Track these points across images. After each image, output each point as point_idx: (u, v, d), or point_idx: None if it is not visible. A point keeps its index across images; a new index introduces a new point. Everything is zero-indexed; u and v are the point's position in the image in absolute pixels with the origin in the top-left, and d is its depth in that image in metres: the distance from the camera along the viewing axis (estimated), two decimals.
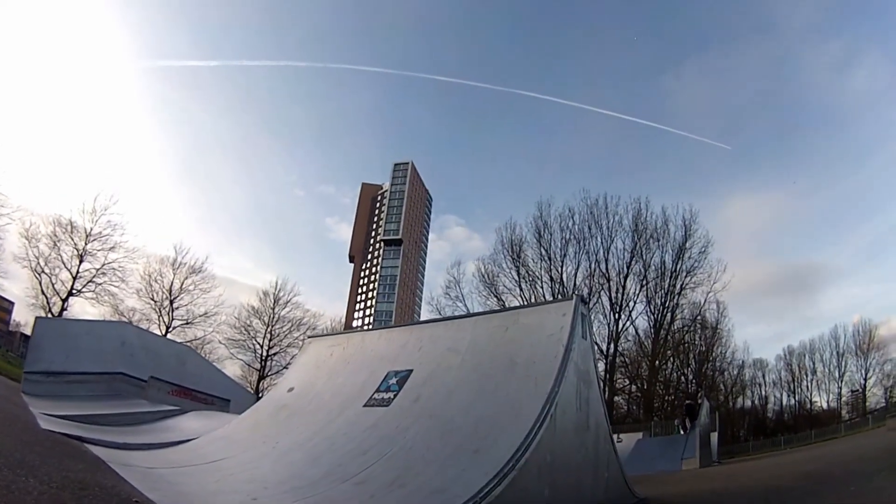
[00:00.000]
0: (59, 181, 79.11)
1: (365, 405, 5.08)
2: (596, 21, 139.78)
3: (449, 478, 3.55)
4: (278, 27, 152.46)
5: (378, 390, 5.21)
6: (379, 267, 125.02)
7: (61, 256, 30.41)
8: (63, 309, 29.87)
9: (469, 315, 7.04)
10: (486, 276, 32.59)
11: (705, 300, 33.00)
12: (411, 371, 5.23)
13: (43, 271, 30.05)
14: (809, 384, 46.01)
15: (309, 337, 8.22)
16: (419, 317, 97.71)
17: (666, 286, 31.96)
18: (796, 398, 46.67)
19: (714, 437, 19.00)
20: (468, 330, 5.49)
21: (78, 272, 30.57)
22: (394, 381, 5.22)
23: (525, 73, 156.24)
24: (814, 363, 45.87)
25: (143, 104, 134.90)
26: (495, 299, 31.38)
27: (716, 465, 16.45)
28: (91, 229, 30.99)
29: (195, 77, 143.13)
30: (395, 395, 4.99)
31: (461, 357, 5.15)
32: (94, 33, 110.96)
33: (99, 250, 31.22)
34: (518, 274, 31.68)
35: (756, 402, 47.30)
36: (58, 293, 30.28)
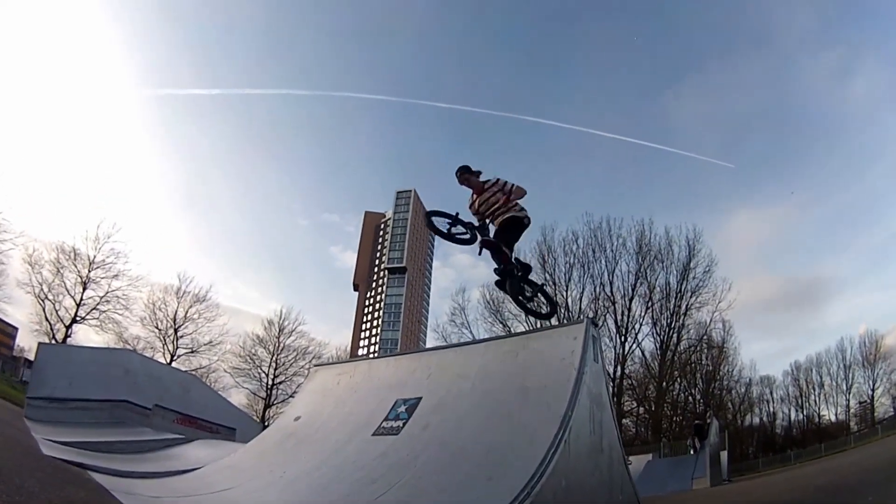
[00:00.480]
0: (62, 207, 79.76)
1: (374, 434, 5.01)
2: (593, 42, 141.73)
3: None
4: (279, 57, 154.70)
5: (387, 418, 5.14)
6: (384, 295, 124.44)
7: (65, 283, 30.51)
8: (67, 336, 29.82)
9: (478, 341, 6.98)
10: (491, 303, 32.58)
11: (711, 319, 32.89)
12: (420, 398, 5.16)
13: (47, 297, 30.12)
14: (817, 398, 45.58)
15: (315, 365, 8.17)
16: (425, 344, 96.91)
17: (671, 307, 31.91)
18: (804, 413, 46.23)
19: (724, 455, 18.83)
20: (477, 356, 5.44)
21: (82, 299, 30.61)
22: (402, 408, 5.15)
23: (525, 97, 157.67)
24: (821, 377, 45.51)
25: (145, 132, 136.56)
26: (501, 325, 31.26)
27: (726, 483, 16.24)
28: (94, 257, 31.16)
29: (197, 105, 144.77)
30: (404, 423, 4.93)
31: (471, 383, 5.08)
32: (98, 61, 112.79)
33: (102, 278, 31.35)
34: None
35: (764, 418, 46.94)
36: (61, 320, 30.28)
